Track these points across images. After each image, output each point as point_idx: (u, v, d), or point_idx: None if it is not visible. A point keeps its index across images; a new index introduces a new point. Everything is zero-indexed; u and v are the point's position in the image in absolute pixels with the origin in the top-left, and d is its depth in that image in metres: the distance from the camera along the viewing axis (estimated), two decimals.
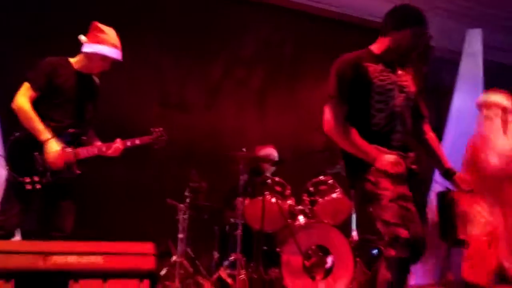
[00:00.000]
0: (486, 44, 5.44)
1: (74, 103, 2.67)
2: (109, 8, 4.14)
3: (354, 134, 2.13)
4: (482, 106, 3.61)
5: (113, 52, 2.67)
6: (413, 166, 2.20)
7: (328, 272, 3.29)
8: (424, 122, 2.35)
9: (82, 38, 2.67)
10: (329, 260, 3.32)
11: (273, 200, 3.45)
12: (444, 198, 4.57)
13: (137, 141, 2.81)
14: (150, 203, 3.97)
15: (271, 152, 4.14)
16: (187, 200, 3.70)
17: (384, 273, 2.03)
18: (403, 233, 1.97)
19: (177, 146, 4.25)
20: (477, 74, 5.39)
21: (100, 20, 2.77)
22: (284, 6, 5.00)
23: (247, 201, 3.51)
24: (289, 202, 3.56)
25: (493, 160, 3.41)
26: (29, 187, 2.46)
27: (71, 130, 2.64)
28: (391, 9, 2.24)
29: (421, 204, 4.67)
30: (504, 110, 3.47)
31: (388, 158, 2.06)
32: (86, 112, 2.73)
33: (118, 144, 2.72)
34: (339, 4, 5.18)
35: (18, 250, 1.23)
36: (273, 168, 4.11)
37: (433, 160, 2.37)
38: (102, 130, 2.86)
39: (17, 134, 2.58)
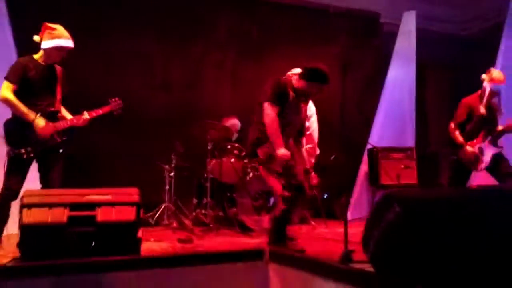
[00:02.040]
0: (421, 14, 6.01)
1: (46, 88, 3.20)
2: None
3: (277, 127, 3.27)
4: None
5: (68, 42, 3.20)
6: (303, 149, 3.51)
7: (270, 208, 4.09)
8: (304, 134, 3.58)
9: (36, 38, 3.19)
10: (271, 200, 4.15)
11: (231, 160, 4.52)
12: (371, 153, 5.73)
13: (100, 111, 3.30)
14: (144, 164, 4.78)
15: (235, 122, 5.04)
16: (173, 162, 4.73)
17: (280, 206, 3.29)
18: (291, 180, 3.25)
19: (163, 120, 5.17)
20: (410, 50, 5.96)
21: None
22: None
23: (213, 161, 4.61)
24: (245, 161, 4.51)
25: None
26: (25, 156, 3.02)
27: (49, 109, 3.18)
28: (309, 65, 3.31)
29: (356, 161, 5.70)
30: None
31: (281, 152, 3.22)
32: (57, 93, 3.25)
33: (85, 115, 3.26)
34: None
35: (67, 194, 2.42)
36: (236, 135, 5.04)
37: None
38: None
39: (8, 118, 3.12)
